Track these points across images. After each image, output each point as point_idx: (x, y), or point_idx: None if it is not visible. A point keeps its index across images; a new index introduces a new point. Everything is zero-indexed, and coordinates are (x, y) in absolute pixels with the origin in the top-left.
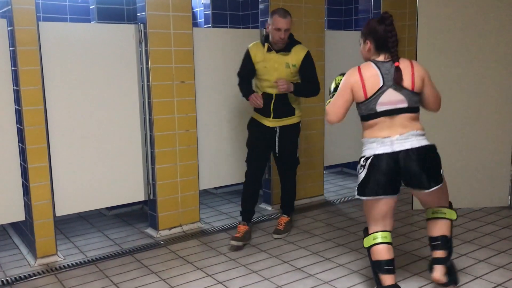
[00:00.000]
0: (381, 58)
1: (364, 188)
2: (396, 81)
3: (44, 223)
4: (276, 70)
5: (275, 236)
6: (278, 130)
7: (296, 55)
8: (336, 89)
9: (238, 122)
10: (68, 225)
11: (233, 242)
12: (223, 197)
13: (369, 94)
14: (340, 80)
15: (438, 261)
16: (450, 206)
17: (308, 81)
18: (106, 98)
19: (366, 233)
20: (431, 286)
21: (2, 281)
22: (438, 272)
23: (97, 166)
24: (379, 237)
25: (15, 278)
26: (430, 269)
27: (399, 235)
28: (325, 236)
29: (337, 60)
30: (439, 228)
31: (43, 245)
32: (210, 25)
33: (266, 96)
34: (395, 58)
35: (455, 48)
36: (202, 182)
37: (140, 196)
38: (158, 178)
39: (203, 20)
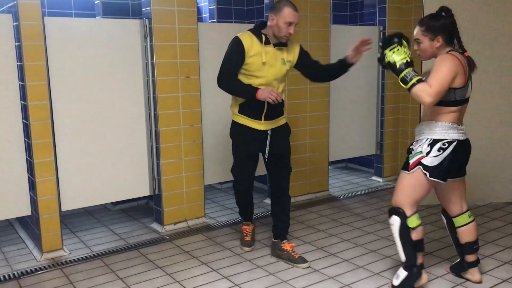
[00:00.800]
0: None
1: (437, 170)
2: (473, 71)
3: (50, 217)
4: (272, 66)
5: (304, 266)
6: (270, 133)
7: (292, 51)
8: (408, 64)
9: None
10: (74, 220)
11: (247, 249)
12: (227, 192)
13: (467, 81)
14: (405, 49)
15: (475, 263)
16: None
17: (320, 65)
18: (111, 93)
19: (401, 214)
20: (435, 281)
21: (8, 275)
22: (479, 274)
23: (102, 161)
24: (419, 218)
25: (21, 272)
26: (458, 273)
27: None
28: (329, 231)
29: (342, 55)
30: (476, 231)
31: (49, 240)
32: (215, 20)
33: None
34: (463, 48)
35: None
36: (207, 177)
37: (145, 191)
38: (163, 173)
39: (208, 15)
